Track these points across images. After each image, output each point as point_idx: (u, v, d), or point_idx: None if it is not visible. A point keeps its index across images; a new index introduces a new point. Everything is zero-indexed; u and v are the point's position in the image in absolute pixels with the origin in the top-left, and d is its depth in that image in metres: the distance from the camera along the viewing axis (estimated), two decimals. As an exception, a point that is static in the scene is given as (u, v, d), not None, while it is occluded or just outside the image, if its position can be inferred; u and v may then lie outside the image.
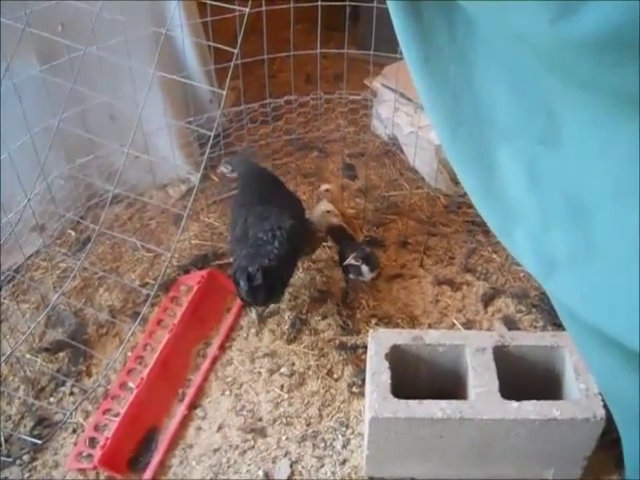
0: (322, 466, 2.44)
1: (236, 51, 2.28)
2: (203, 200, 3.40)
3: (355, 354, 2.76)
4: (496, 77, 1.53)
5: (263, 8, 2.06)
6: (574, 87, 1.37)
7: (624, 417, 1.83)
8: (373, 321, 2.88)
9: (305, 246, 2.92)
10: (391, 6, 1.58)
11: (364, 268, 2.84)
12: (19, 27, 2.32)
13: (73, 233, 3.27)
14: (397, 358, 2.34)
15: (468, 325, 2.87)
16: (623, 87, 1.22)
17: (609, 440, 2.32)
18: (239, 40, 2.27)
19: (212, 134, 2.45)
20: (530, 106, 1.48)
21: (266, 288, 2.58)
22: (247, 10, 2.07)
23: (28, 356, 2.79)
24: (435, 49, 1.57)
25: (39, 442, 2.50)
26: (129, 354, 2.77)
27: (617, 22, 1.11)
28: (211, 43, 2.60)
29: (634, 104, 1.24)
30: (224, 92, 2.43)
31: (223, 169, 3.02)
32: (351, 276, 2.91)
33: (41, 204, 2.99)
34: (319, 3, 2.76)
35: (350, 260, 2.82)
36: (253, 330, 2.86)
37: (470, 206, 3.28)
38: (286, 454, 2.47)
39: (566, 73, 1.34)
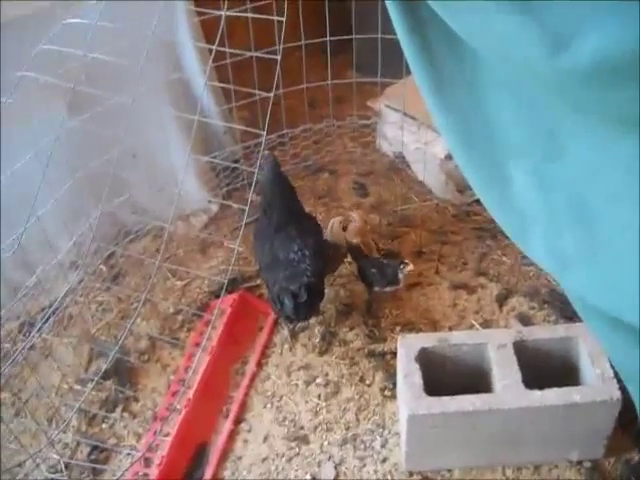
0: (364, 466, 2.60)
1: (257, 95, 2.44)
2: (225, 227, 3.58)
3: (384, 360, 2.93)
4: (502, 101, 1.69)
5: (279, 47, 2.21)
6: (572, 108, 1.53)
7: None
8: (397, 328, 3.04)
9: (329, 261, 3.10)
10: (403, 39, 1.73)
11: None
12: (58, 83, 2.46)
13: (105, 268, 3.43)
14: (425, 360, 2.51)
15: (486, 325, 3.03)
16: (618, 109, 1.37)
17: (626, 420, 2.49)
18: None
19: (231, 164, 2.59)
20: (534, 126, 1.64)
21: (309, 304, 2.77)
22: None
23: (77, 386, 2.95)
24: (445, 78, 1.73)
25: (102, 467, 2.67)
26: (171, 377, 2.94)
27: (607, 54, 1.25)
28: (230, 86, 2.75)
29: (630, 123, 1.39)
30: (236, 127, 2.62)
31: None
32: (376, 288, 3.08)
33: (75, 244, 3.16)
34: (327, 39, 2.95)
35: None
36: (286, 346, 3.03)
37: (477, 214, 3.49)
38: (330, 457, 2.63)
39: (565, 97, 1.51)
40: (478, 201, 3.46)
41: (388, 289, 3.07)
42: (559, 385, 2.39)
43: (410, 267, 3.00)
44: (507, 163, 1.72)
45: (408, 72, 3.10)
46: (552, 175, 1.64)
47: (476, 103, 1.72)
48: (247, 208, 2.31)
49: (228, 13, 2.15)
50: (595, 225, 1.59)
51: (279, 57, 2.14)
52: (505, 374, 2.43)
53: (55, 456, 2.70)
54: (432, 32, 1.70)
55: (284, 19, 2.12)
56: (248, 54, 2.69)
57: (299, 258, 2.86)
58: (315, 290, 2.81)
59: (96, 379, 2.63)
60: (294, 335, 3.06)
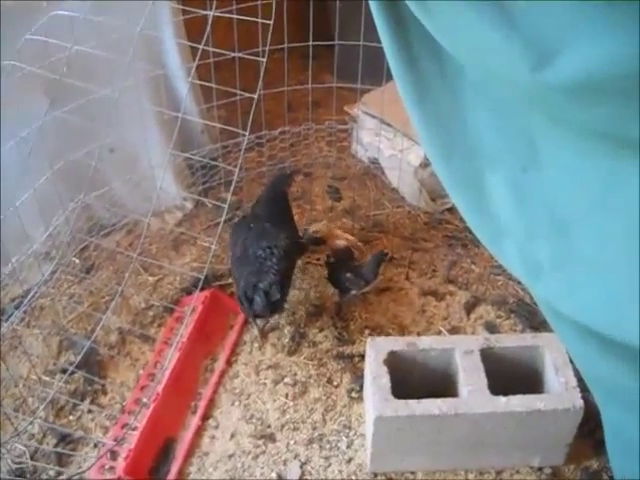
0: (329, 465, 2.63)
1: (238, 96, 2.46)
2: (199, 225, 3.60)
3: (352, 362, 2.96)
4: (482, 112, 1.72)
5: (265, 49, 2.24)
6: (552, 121, 1.57)
7: (604, 396, 2.03)
8: (366, 331, 3.07)
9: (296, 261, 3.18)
10: (386, 44, 1.76)
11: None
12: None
13: (78, 261, 3.43)
14: (393, 363, 2.55)
15: (453, 331, 3.08)
16: (598, 124, 1.40)
17: (587, 429, 2.59)
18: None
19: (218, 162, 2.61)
20: (512, 137, 1.68)
21: (277, 302, 2.82)
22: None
23: (45, 378, 2.95)
24: (427, 84, 1.76)
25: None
26: (141, 372, 2.96)
27: (589, 70, 1.28)
28: (212, 84, 2.78)
29: (609, 137, 1.44)
30: (217, 126, 2.64)
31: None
32: (353, 292, 3.14)
33: (50, 235, 3.16)
34: (310, 43, 2.99)
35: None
36: (256, 345, 3.05)
37: (449, 222, 3.55)
38: (296, 456, 2.66)
39: (544, 110, 1.54)
40: (450, 209, 3.55)
41: (365, 290, 3.13)
42: (524, 393, 2.44)
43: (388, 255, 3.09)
44: (484, 172, 1.75)
45: (387, 80, 3.21)
46: (529, 185, 1.68)
47: (457, 113, 1.75)
48: (226, 206, 2.32)
49: (216, 13, 2.17)
50: (570, 235, 1.63)
51: (265, 59, 2.17)
52: (471, 380, 2.47)
53: (21, 446, 2.71)
54: (415, 39, 1.72)
55: (272, 22, 2.15)
56: (232, 55, 2.72)
57: (266, 255, 2.90)
58: (283, 288, 2.86)
59: (71, 369, 2.63)
60: (264, 334, 3.09)
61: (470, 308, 3.20)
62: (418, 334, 3.06)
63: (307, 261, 3.40)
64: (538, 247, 1.69)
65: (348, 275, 3.11)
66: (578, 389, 2.43)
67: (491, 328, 3.10)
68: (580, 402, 2.40)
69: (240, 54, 2.65)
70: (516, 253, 1.74)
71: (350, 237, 3.38)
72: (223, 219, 2.46)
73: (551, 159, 1.63)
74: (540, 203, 1.67)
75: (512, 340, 2.67)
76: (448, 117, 1.76)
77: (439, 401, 2.42)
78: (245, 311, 2.94)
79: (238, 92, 2.56)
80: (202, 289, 3.19)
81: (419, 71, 1.75)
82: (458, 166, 1.78)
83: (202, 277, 2.42)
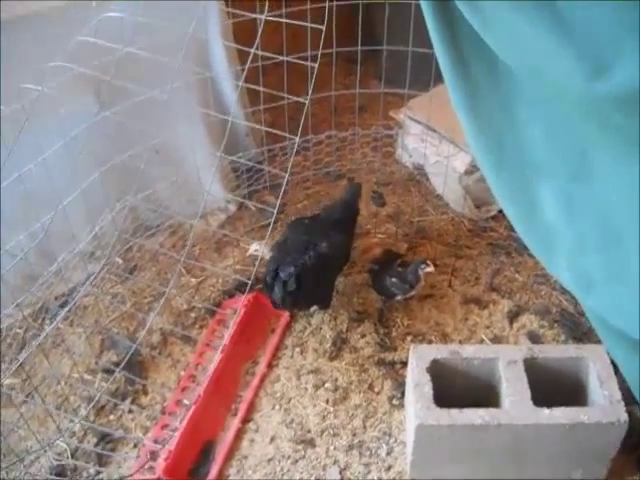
0: (369, 472, 2.63)
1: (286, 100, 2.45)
2: (242, 228, 3.61)
3: (393, 369, 2.95)
4: (534, 120, 1.71)
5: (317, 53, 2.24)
6: (604, 132, 1.55)
7: None
8: (408, 338, 3.07)
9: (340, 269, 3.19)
10: (442, 61, 1.77)
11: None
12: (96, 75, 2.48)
13: (121, 261, 3.46)
14: (436, 371, 2.52)
15: (496, 340, 3.06)
16: None
17: (630, 444, 2.53)
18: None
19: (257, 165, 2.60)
20: (565, 148, 1.67)
21: (297, 296, 2.88)
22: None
23: (87, 376, 2.97)
24: (480, 98, 1.76)
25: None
26: (182, 373, 2.97)
27: None
28: (261, 88, 2.78)
29: None
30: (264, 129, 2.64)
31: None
32: (398, 297, 3.14)
33: (95, 235, 3.19)
34: (358, 48, 2.98)
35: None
36: (298, 349, 3.05)
37: (493, 230, 3.51)
38: (335, 462, 2.66)
39: (597, 120, 1.53)
40: (494, 217, 3.52)
41: (411, 294, 3.12)
42: (567, 405, 2.40)
43: (431, 268, 3.04)
44: (536, 182, 1.74)
45: (434, 85, 3.19)
46: (580, 196, 1.67)
47: (508, 121, 1.75)
48: (275, 210, 2.32)
49: (267, 17, 2.16)
50: (622, 248, 1.61)
51: (316, 64, 2.16)
52: (514, 390, 2.44)
53: (63, 444, 2.73)
54: (469, 49, 1.73)
55: (324, 27, 2.14)
56: (281, 58, 2.71)
57: (306, 250, 2.95)
58: (307, 285, 2.88)
59: (117, 371, 2.64)
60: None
61: (513, 317, 3.17)
62: (460, 342, 3.04)
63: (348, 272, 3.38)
64: (590, 260, 1.68)
65: (393, 280, 3.10)
66: (622, 403, 2.39)
67: (534, 338, 3.07)
68: (624, 416, 2.36)
69: (289, 58, 2.64)
70: (566, 265, 1.73)
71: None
72: (272, 221, 2.45)
73: (603, 171, 1.62)
74: (592, 215, 1.66)
75: (556, 351, 2.63)
76: (499, 126, 1.76)
77: (481, 411, 2.39)
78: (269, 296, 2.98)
79: (286, 96, 2.55)
80: (244, 292, 3.20)
81: (470, 79, 1.75)
82: (509, 176, 1.77)
83: (249, 281, 2.41)
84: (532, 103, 1.69)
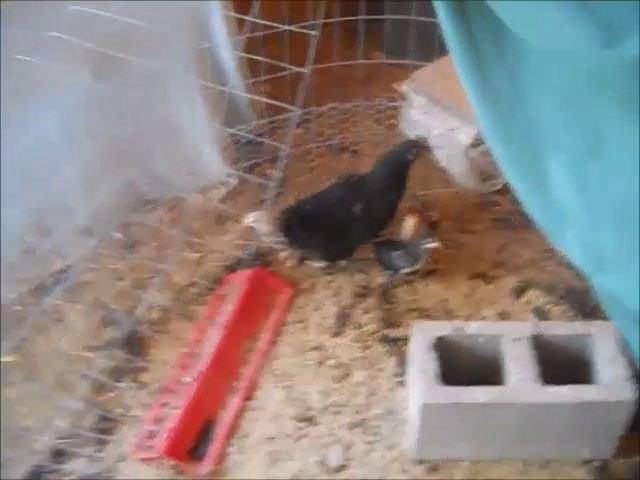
0: (373, 451, 2.58)
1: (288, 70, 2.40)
2: (243, 202, 3.54)
3: (397, 345, 2.90)
4: (544, 96, 1.66)
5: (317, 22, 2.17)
6: (619, 106, 1.50)
7: None
8: (412, 315, 3.01)
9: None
10: (446, 30, 1.72)
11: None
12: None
13: (120, 236, 3.39)
14: (440, 348, 2.48)
15: (501, 317, 3.01)
16: None
17: (637, 422, 2.46)
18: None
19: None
20: (577, 121, 1.61)
21: (290, 231, 2.97)
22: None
23: (86, 354, 2.93)
24: (487, 66, 1.70)
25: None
26: (182, 350, 2.92)
27: None
28: (262, 58, 2.71)
29: None
30: (264, 101, 2.58)
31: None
32: (404, 270, 3.09)
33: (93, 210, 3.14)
34: (361, 17, 2.91)
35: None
36: (300, 325, 3.01)
37: (499, 204, 3.45)
38: (338, 441, 2.61)
39: (614, 92, 1.47)
40: (500, 191, 3.46)
41: (415, 268, 3.07)
42: (573, 382, 2.36)
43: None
44: (546, 158, 1.69)
45: (439, 56, 3.13)
46: (593, 172, 1.62)
47: (517, 94, 1.69)
48: (274, 184, 2.26)
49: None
50: (636, 225, 1.55)
51: (317, 33, 2.10)
52: (520, 368, 2.40)
53: (60, 423, 2.70)
54: (475, 19, 1.68)
55: (326, -6, 2.08)
56: (283, 28, 2.64)
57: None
58: (302, 225, 2.97)
59: (117, 347, 2.60)
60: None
61: (519, 293, 3.11)
62: (465, 318, 2.99)
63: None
64: (602, 236, 1.63)
65: (397, 253, 3.05)
66: (630, 381, 2.35)
67: (540, 314, 3.02)
68: (632, 395, 2.32)
69: (291, 27, 2.57)
70: (577, 241, 1.68)
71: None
72: (271, 194, 2.39)
73: (617, 146, 1.57)
74: (605, 191, 1.61)
75: (563, 328, 2.58)
76: (509, 99, 1.70)
77: (487, 389, 2.35)
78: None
79: (287, 66, 2.49)
80: (246, 267, 3.16)
81: (477, 48, 1.69)
82: (518, 149, 1.72)
83: (249, 256, 2.36)
84: (542, 75, 1.64)
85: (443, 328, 2.55)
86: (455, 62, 1.73)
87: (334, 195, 3.11)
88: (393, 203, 3.15)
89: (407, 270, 3.09)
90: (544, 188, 1.70)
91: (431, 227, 3.30)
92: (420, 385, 2.37)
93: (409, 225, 3.15)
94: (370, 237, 3.18)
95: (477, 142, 3.38)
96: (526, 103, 1.68)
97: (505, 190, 3.45)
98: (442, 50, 3.19)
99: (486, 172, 3.48)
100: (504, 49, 1.67)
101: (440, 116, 3.51)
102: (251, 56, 2.62)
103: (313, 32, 2.11)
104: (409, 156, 3.06)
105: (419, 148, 3.07)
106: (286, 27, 2.64)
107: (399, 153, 3.12)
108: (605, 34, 1.31)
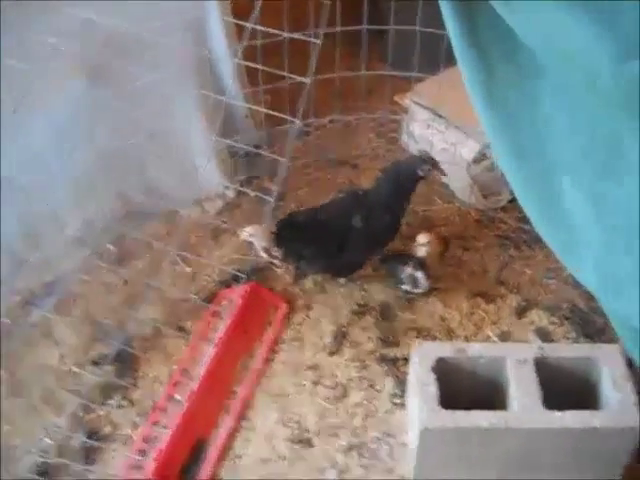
0: (369, 475, 2.51)
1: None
2: (240, 215, 3.47)
3: (395, 366, 2.83)
4: (557, 111, 1.60)
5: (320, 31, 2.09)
6: (635, 121, 1.44)
7: None
8: (411, 334, 2.94)
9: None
10: (453, 36, 1.65)
11: (419, 275, 2.94)
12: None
13: (113, 248, 3.31)
14: (440, 370, 2.40)
15: (503, 337, 2.93)
16: None
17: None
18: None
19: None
20: (593, 138, 1.55)
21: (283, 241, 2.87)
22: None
23: (75, 369, 2.84)
24: (497, 81, 1.64)
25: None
26: (174, 367, 2.84)
27: None
28: (260, 66, 2.65)
29: None
30: (263, 111, 2.52)
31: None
32: (405, 287, 3.01)
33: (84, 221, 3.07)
34: (364, 27, 2.85)
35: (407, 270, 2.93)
36: (296, 343, 2.93)
37: (502, 221, 3.38)
38: (333, 464, 2.54)
39: (630, 109, 1.41)
40: (503, 208, 3.40)
41: (418, 291, 3.02)
42: (577, 407, 2.28)
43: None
44: (559, 178, 1.63)
45: (442, 69, 3.07)
46: (609, 193, 1.55)
47: (529, 111, 1.64)
48: (273, 198, 2.19)
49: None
50: None
51: (319, 41, 2.03)
52: (524, 392, 2.32)
53: (48, 441, 2.62)
54: (485, 34, 1.62)
55: (329, 1, 2.00)
56: (283, 35, 2.56)
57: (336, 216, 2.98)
58: (297, 234, 2.92)
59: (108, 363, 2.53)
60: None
61: (521, 313, 3.04)
62: (466, 338, 2.93)
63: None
64: (619, 261, 1.56)
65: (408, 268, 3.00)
66: (637, 407, 2.27)
67: (543, 335, 2.95)
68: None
69: (292, 34, 2.50)
70: (592, 265, 1.61)
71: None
72: (270, 209, 2.32)
73: (635, 163, 1.49)
74: (622, 212, 1.53)
75: (568, 350, 2.52)
76: (517, 110, 1.64)
77: (489, 413, 2.27)
78: None
79: (288, 75, 2.41)
80: (241, 283, 3.09)
81: (488, 62, 1.64)
82: (529, 168, 1.66)
83: (243, 275, 2.29)
84: (556, 91, 1.58)
85: (444, 349, 2.48)
86: (463, 74, 1.67)
87: (334, 207, 3.06)
88: (396, 218, 3.06)
89: (409, 290, 3.02)
90: (556, 208, 1.64)
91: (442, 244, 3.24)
92: (420, 409, 2.29)
93: (422, 241, 3.08)
94: (370, 252, 3.10)
95: (480, 157, 3.32)
96: (538, 117, 1.62)
97: (508, 207, 3.40)
98: (446, 62, 3.15)
99: (489, 188, 3.42)
100: (517, 63, 1.62)
101: (443, 130, 3.44)
102: (250, 64, 2.53)
103: (315, 40, 2.03)
104: (419, 172, 2.97)
105: (431, 166, 2.97)
106: (287, 34, 2.55)
107: (405, 168, 3.04)
108: (621, 47, 1.27)
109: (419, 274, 2.98)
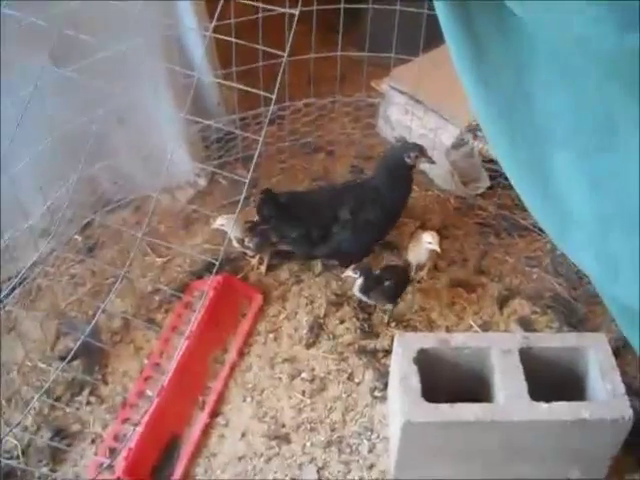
0: (349, 471, 2.45)
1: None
2: (212, 203, 3.37)
3: (375, 358, 2.76)
4: (550, 85, 1.54)
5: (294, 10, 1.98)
6: (633, 94, 1.37)
7: None
8: (391, 324, 2.87)
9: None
10: (439, 8, 1.58)
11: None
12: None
13: (80, 238, 3.22)
14: (423, 362, 2.33)
15: (485, 327, 2.88)
16: None
17: (632, 441, 2.32)
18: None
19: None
20: (588, 114, 1.50)
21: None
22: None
23: (41, 365, 2.75)
24: (486, 52, 1.57)
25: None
26: (145, 361, 2.76)
27: None
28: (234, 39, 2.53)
29: None
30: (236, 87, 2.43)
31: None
32: (371, 301, 2.89)
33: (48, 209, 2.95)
34: (342, 6, 2.76)
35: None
36: (271, 335, 2.85)
37: (482, 208, 3.31)
38: (312, 460, 2.48)
39: (627, 81, 1.35)
40: (483, 195, 3.34)
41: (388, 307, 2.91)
42: (564, 398, 2.22)
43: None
44: (553, 152, 1.55)
45: (422, 52, 2.98)
46: (605, 168, 1.48)
47: (521, 84, 1.56)
48: (246, 182, 2.09)
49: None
50: None
51: (297, 11, 1.91)
52: (510, 383, 2.26)
53: (13, 440, 2.52)
54: (475, 8, 1.53)
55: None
56: (258, 4, 2.43)
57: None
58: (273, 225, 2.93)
59: (74, 357, 2.45)
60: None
61: (503, 302, 2.98)
62: (447, 329, 2.86)
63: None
64: (617, 241, 1.49)
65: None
66: (626, 397, 2.21)
67: (526, 324, 2.89)
68: (629, 412, 2.18)
69: (268, 6, 2.39)
70: (589, 248, 1.54)
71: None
72: (242, 197, 2.21)
73: (632, 139, 1.42)
74: (619, 189, 1.47)
75: (554, 340, 2.45)
76: (510, 87, 1.57)
77: (474, 406, 2.20)
78: None
79: (262, 48, 2.29)
80: (214, 273, 2.99)
81: (475, 27, 1.56)
82: (522, 145, 1.57)
83: (216, 262, 2.18)
84: (550, 63, 1.52)
85: (427, 340, 2.40)
86: (450, 46, 1.59)
87: (323, 195, 3.06)
88: (394, 209, 3.01)
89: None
90: (550, 187, 1.58)
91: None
92: (402, 402, 2.21)
93: (429, 239, 2.90)
94: (365, 244, 3.03)
95: (459, 143, 3.24)
96: (530, 92, 1.56)
97: (487, 194, 3.33)
98: (426, 45, 3.06)
99: (468, 175, 3.34)
100: (508, 34, 1.55)
101: (421, 116, 3.36)
102: (222, 37, 2.38)
103: (292, 11, 1.92)
104: (407, 160, 2.88)
105: (418, 153, 2.88)
106: (261, 4, 2.41)
107: (393, 157, 2.98)
108: (620, 17, 1.21)
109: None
